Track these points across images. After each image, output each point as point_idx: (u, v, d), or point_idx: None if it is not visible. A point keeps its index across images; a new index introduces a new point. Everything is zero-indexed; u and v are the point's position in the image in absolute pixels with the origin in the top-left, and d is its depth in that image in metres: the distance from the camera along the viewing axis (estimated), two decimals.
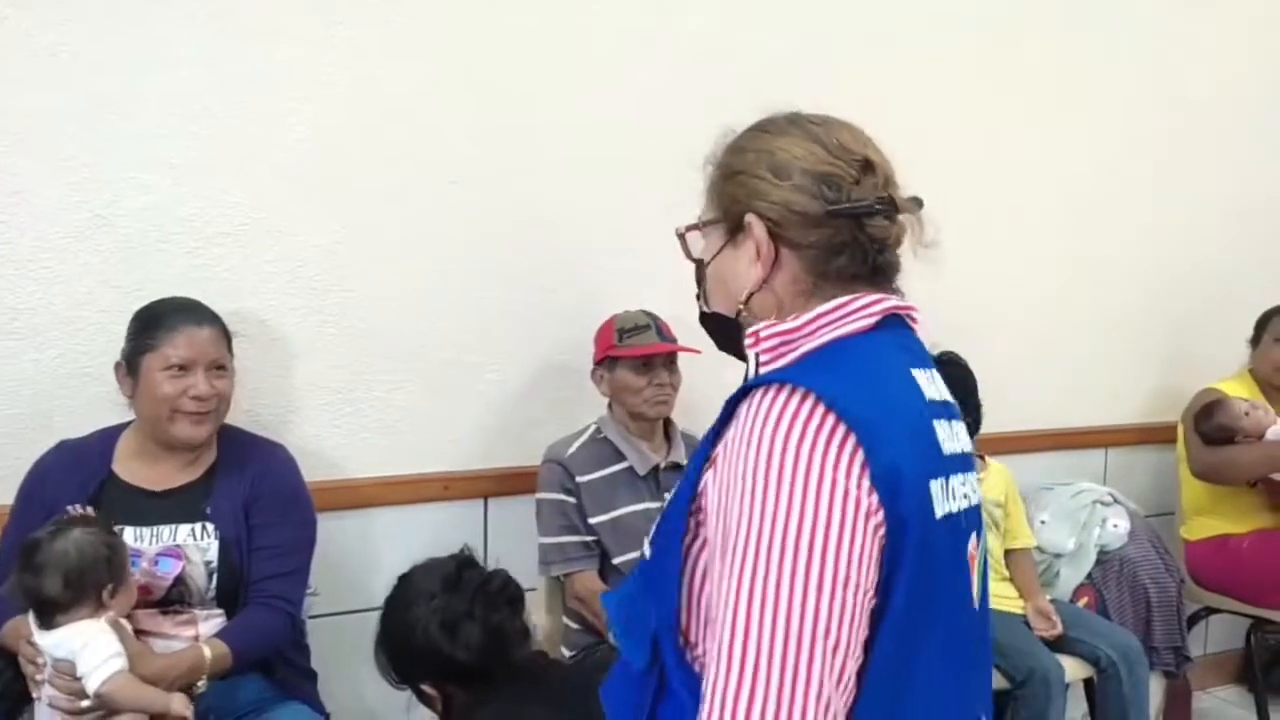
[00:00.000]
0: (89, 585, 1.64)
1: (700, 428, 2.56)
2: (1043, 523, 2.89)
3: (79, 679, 1.61)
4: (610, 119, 2.52)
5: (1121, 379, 3.34)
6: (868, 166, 1.06)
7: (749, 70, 2.60)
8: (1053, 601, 2.67)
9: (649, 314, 2.36)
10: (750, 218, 1.06)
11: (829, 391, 0.95)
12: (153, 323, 1.88)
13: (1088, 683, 2.62)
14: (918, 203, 1.09)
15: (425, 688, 1.71)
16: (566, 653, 2.35)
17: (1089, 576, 2.87)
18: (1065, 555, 2.87)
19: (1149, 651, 2.78)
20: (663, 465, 2.37)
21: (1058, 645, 2.56)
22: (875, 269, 1.07)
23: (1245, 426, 2.94)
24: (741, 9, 2.64)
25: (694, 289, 1.20)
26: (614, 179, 2.53)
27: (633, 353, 2.31)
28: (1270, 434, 2.93)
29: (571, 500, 2.31)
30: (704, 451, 1.03)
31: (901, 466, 0.94)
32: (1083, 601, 2.84)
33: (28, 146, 2.02)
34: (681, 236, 1.18)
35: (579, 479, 2.31)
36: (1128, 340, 3.33)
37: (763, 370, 1.04)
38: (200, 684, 1.73)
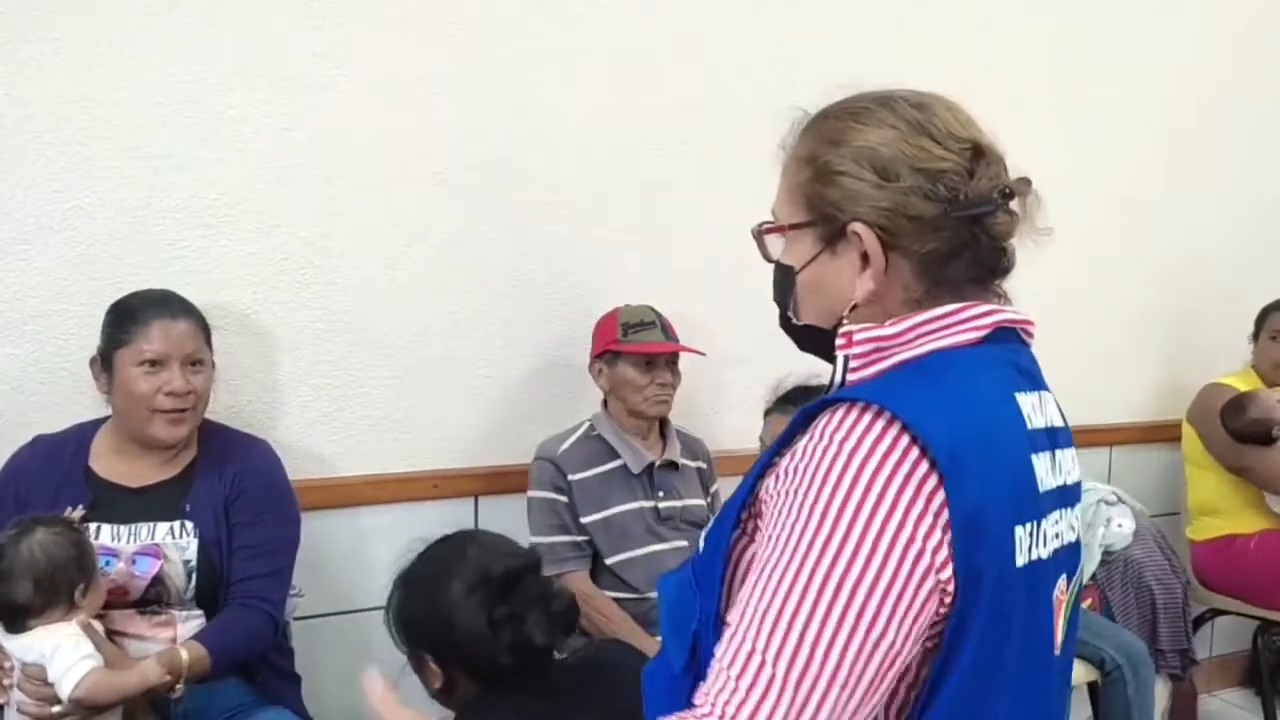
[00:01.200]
0: (60, 587, 1.59)
1: (700, 427, 2.54)
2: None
3: (50, 684, 1.56)
4: (604, 110, 2.47)
5: (1125, 376, 3.30)
6: (978, 153, 0.96)
7: (749, 58, 2.56)
8: None
9: (654, 310, 2.31)
10: (858, 226, 0.95)
11: (916, 417, 0.86)
12: (126, 316, 1.82)
13: (1092, 686, 2.57)
14: (1027, 183, 0.98)
15: (431, 662, 1.55)
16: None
17: (1093, 577, 2.82)
18: None
19: (1154, 654, 2.73)
20: (657, 463, 2.32)
21: None
22: (994, 271, 0.98)
23: (1279, 417, 2.86)
24: None
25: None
26: (607, 172, 2.49)
27: (638, 350, 2.26)
28: None
29: (563, 499, 2.26)
30: (769, 455, 0.96)
31: (986, 512, 0.86)
32: (1087, 603, 2.79)
33: (4, 136, 1.97)
34: (759, 238, 1.06)
35: (571, 477, 2.26)
36: (1131, 337, 3.29)
37: (851, 376, 0.95)
38: (178, 688, 1.66)
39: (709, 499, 2.41)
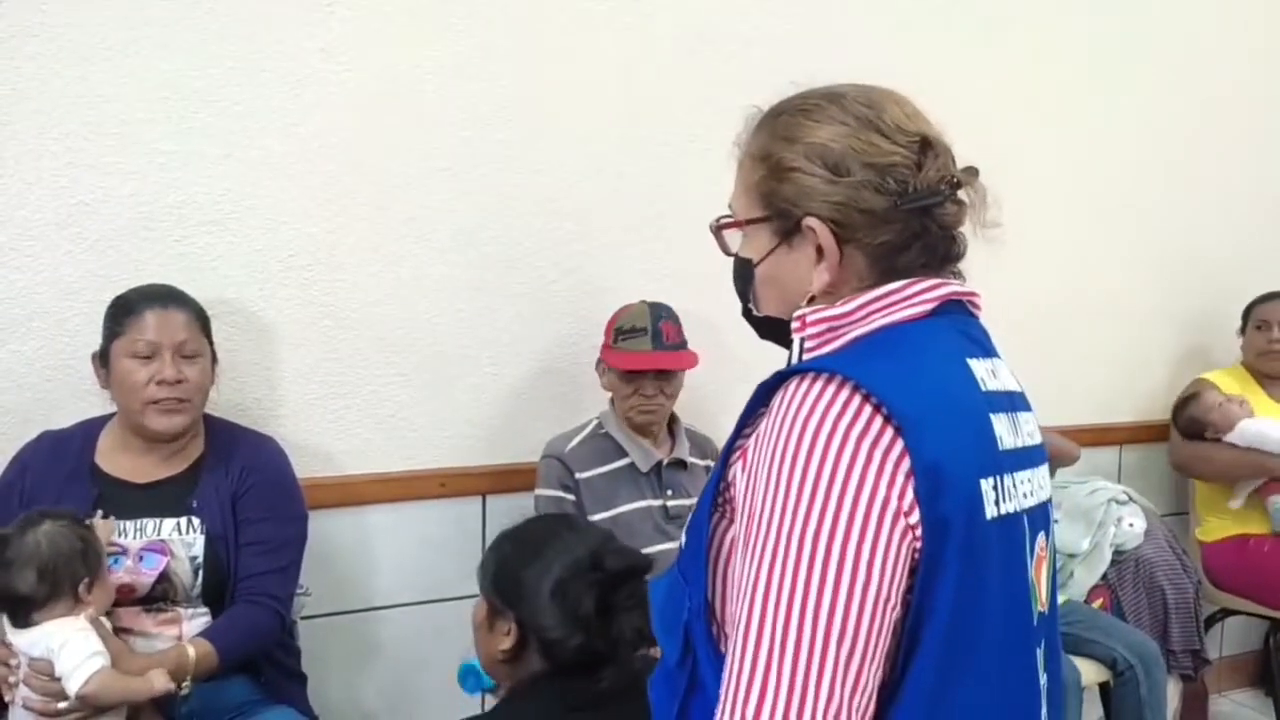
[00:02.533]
0: (63, 579, 1.58)
1: (706, 424, 2.52)
2: (1056, 522, 2.81)
3: (57, 679, 1.55)
4: (611, 105, 2.46)
5: (1133, 376, 3.28)
6: (925, 145, 0.99)
7: (759, 54, 2.55)
8: (1067, 603, 2.59)
9: (655, 310, 2.26)
10: (812, 221, 0.98)
11: (871, 381, 0.89)
12: (123, 309, 1.82)
13: (1103, 686, 2.55)
14: (973, 172, 1.01)
15: (510, 621, 1.46)
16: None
17: (1104, 577, 2.80)
18: (1080, 555, 2.79)
19: (1165, 654, 2.71)
20: (665, 461, 2.30)
21: (1073, 648, 2.49)
22: (945, 258, 1.01)
23: (1214, 420, 2.97)
24: None
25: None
26: (616, 168, 2.47)
27: (618, 364, 2.24)
28: (1238, 429, 2.92)
29: (571, 497, 2.24)
30: (734, 437, 0.98)
31: (945, 464, 0.89)
32: (1098, 603, 2.77)
33: (9, 131, 1.95)
34: (717, 232, 1.10)
35: (579, 475, 2.24)
36: (1138, 336, 3.27)
37: (806, 357, 0.98)
38: (185, 685, 1.65)
39: None
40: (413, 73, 2.26)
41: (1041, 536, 1.02)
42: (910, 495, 0.87)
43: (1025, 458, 1.01)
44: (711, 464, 2.41)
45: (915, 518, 0.87)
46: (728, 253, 1.10)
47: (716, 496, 0.98)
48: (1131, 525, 2.83)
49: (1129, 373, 3.26)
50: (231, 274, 2.13)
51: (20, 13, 1.94)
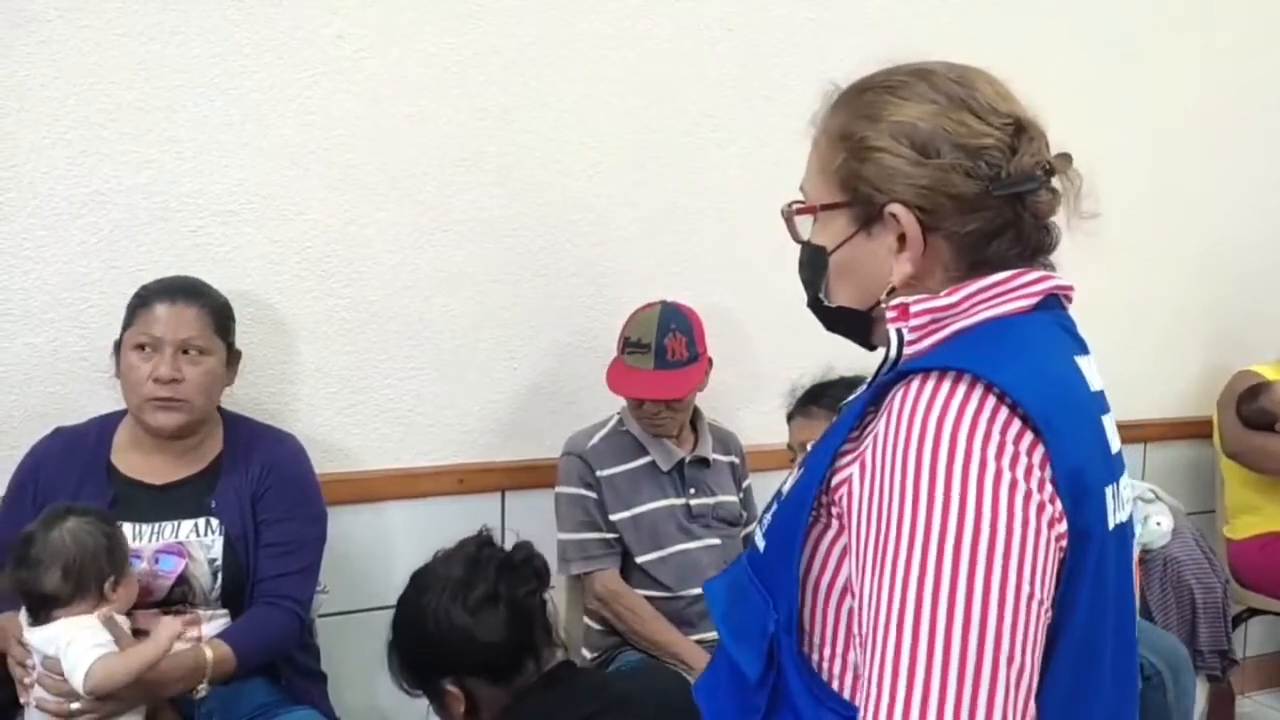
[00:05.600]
0: (89, 577, 1.54)
1: (729, 419, 2.47)
2: None
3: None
4: (631, 97, 2.41)
5: (1158, 371, 3.22)
6: (1020, 128, 0.93)
7: (781, 43, 2.50)
8: None
9: (665, 319, 2.16)
10: (896, 208, 0.91)
11: (1003, 380, 0.82)
12: (139, 300, 1.78)
13: None
14: (1068, 159, 0.95)
15: (447, 686, 1.55)
16: (587, 654, 2.24)
17: None
18: None
19: (1193, 655, 2.67)
20: (688, 459, 2.25)
21: None
22: (1037, 249, 0.95)
23: None
24: None
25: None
26: (635, 159, 2.43)
27: (617, 385, 2.18)
28: None
29: (592, 495, 2.20)
30: (838, 439, 0.91)
31: (1085, 471, 0.83)
32: None
33: (23, 119, 1.91)
34: (789, 219, 1.02)
35: (600, 473, 2.20)
36: (1163, 332, 3.21)
37: (908, 350, 0.91)
38: (201, 688, 1.61)
39: (741, 494, 2.35)
40: (431, 62, 2.21)
41: (1134, 544, 0.99)
42: (1059, 503, 0.81)
43: (1122, 462, 0.97)
44: (735, 460, 2.37)
45: (1063, 527, 0.81)
46: (798, 240, 1.02)
47: (816, 498, 0.90)
48: (1159, 524, 2.79)
49: (1152, 368, 3.19)
50: (247, 265, 2.09)
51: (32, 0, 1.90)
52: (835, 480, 0.90)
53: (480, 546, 1.61)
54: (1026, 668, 0.78)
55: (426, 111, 2.21)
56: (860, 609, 0.84)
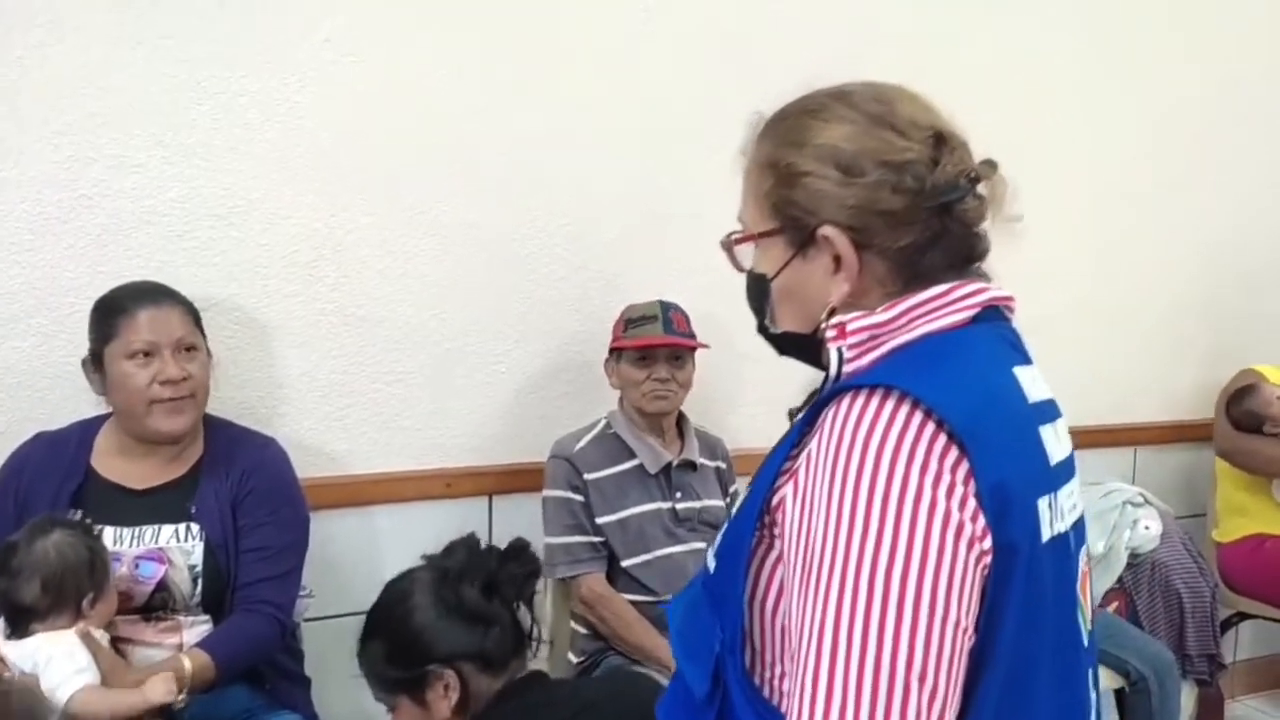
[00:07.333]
0: (68, 592, 1.54)
1: (718, 425, 2.48)
2: None
3: None
4: (624, 100, 2.41)
5: (1148, 375, 3.22)
6: (940, 140, 0.93)
7: (767, 48, 2.49)
8: None
9: (664, 304, 2.24)
10: (828, 229, 0.92)
11: (930, 396, 0.84)
12: (113, 309, 1.76)
13: (1118, 691, 2.51)
14: (992, 165, 0.96)
15: (434, 668, 1.52)
16: (573, 659, 2.25)
17: (1119, 581, 2.76)
18: (1095, 558, 2.75)
19: (1181, 659, 2.67)
20: (675, 463, 2.26)
21: None
22: (968, 258, 0.96)
23: (1274, 414, 2.92)
24: None
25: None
26: (627, 163, 2.42)
27: (632, 344, 2.20)
28: None
29: (579, 499, 2.20)
30: (779, 458, 0.92)
31: (1010, 484, 0.84)
32: (1113, 607, 2.73)
33: (11, 123, 1.91)
34: (728, 249, 1.04)
35: (587, 477, 2.20)
36: (1153, 336, 3.21)
37: (848, 367, 0.92)
38: (180, 698, 1.61)
39: (728, 499, 2.35)
40: (420, 66, 2.21)
41: (1083, 552, 0.98)
42: (982, 519, 0.82)
43: (1067, 470, 0.97)
44: (722, 465, 2.37)
45: (988, 543, 0.82)
46: (740, 269, 1.04)
47: (758, 520, 0.92)
48: (1148, 528, 2.79)
49: (1142, 372, 3.20)
50: (234, 269, 2.09)
51: (23, 2, 1.90)
52: (774, 500, 0.91)
53: (473, 544, 1.63)
54: (940, 687, 0.79)
55: (414, 116, 2.21)
56: (789, 627, 0.86)
